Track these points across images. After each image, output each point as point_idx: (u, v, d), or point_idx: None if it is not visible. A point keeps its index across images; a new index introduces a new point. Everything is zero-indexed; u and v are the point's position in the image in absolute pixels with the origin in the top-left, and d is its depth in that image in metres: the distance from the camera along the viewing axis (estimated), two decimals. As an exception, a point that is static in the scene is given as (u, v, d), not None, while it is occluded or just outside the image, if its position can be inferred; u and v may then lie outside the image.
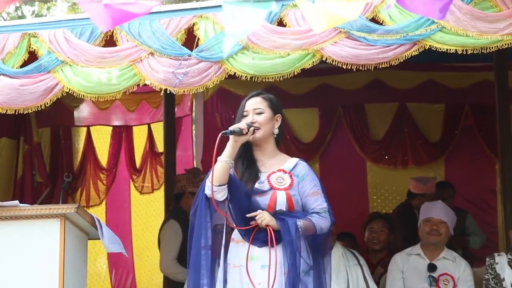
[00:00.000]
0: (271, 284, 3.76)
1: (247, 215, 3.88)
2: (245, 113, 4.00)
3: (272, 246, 3.81)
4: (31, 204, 4.58)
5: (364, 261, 5.52)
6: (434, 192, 6.95)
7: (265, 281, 3.80)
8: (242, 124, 3.92)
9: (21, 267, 4.24)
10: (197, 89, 4.54)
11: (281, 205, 3.89)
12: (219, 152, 3.89)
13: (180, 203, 6.26)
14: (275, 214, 3.87)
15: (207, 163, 7.46)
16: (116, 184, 7.61)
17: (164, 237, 6.21)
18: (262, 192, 3.91)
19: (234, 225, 3.94)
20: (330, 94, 7.50)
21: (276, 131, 4.02)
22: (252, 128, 3.92)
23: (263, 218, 3.84)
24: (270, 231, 3.83)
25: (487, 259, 5.40)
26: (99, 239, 4.51)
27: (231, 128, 3.89)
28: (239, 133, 3.88)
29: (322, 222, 3.89)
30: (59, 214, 4.27)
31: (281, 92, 6.44)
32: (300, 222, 3.84)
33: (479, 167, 7.43)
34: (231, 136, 3.88)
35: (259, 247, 3.87)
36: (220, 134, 3.83)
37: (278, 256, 3.80)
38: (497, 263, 5.33)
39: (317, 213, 3.90)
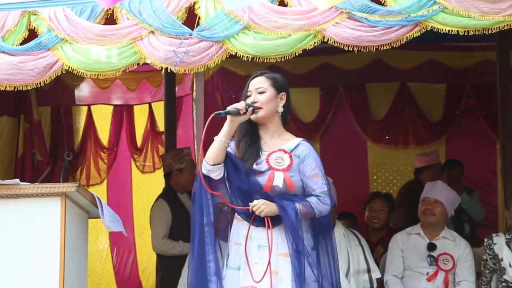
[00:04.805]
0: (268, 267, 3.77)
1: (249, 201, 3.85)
2: (248, 93, 3.99)
3: (269, 227, 3.80)
4: (32, 182, 4.58)
5: (365, 242, 5.53)
6: (439, 162, 6.98)
7: (260, 261, 3.81)
8: (240, 104, 3.89)
9: (22, 245, 4.26)
10: (198, 68, 4.52)
11: (278, 182, 3.87)
12: (212, 133, 3.88)
13: (170, 182, 6.29)
14: (274, 197, 3.84)
15: (207, 143, 7.45)
16: (117, 163, 7.61)
17: (153, 218, 6.23)
18: (260, 173, 3.89)
19: (231, 204, 3.92)
20: (331, 73, 7.47)
21: (280, 109, 4.00)
22: (251, 108, 3.90)
23: (261, 209, 3.81)
24: (267, 219, 3.82)
25: (485, 240, 5.42)
26: (100, 217, 4.52)
27: (228, 108, 3.87)
28: (235, 113, 3.85)
29: (321, 206, 3.87)
30: (60, 193, 4.27)
31: (281, 72, 6.31)
32: (299, 206, 3.82)
33: (480, 147, 7.43)
34: (228, 116, 3.87)
35: (256, 226, 3.86)
36: (212, 114, 3.82)
37: (274, 237, 3.80)
38: (495, 244, 5.35)
39: (317, 196, 3.88)
